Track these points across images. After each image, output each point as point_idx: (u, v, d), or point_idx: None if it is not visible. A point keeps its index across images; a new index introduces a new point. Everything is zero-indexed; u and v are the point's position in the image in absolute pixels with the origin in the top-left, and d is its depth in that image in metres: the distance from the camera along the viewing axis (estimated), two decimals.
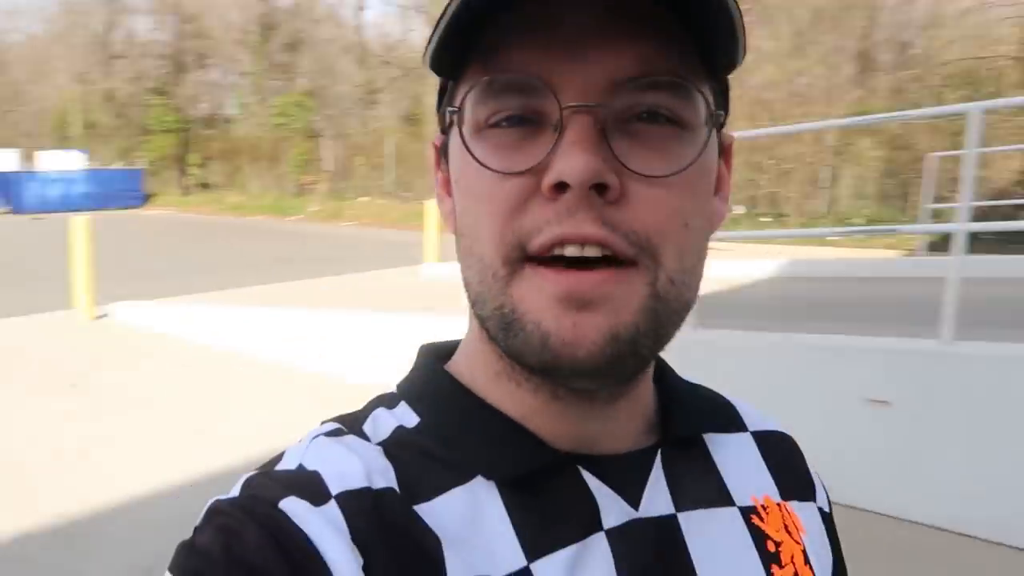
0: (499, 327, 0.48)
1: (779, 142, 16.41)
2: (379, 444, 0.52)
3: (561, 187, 0.44)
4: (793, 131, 10.99)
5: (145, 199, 28.49)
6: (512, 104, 0.46)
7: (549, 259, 0.45)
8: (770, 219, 16.48)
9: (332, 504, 0.47)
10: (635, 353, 0.46)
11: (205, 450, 4.72)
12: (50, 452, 4.74)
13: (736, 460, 0.59)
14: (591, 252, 0.44)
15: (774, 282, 8.66)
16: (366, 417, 0.54)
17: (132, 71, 31.64)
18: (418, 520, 0.48)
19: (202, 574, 0.43)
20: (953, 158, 13.96)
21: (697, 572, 0.52)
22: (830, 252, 11.80)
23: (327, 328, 6.58)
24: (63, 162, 26.71)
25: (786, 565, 0.56)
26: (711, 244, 0.52)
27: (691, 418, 0.58)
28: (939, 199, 11.39)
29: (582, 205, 0.44)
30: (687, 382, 0.62)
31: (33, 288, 10.80)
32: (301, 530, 0.45)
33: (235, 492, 0.48)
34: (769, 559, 0.56)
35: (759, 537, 0.56)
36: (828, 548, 0.61)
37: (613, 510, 0.51)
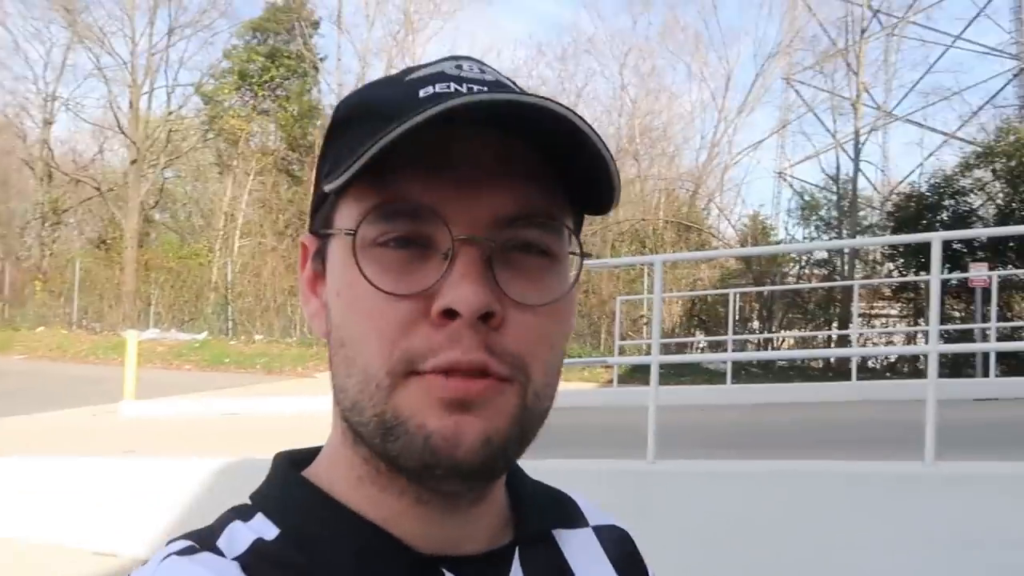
0: (377, 432, 0.49)
1: None
2: (235, 559, 0.50)
3: (450, 314, 0.47)
4: None
5: None
6: (402, 227, 0.49)
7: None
8: None
9: None
10: (504, 456, 0.50)
11: None
12: None
13: (583, 555, 0.62)
14: (474, 375, 0.48)
15: None
16: (220, 531, 0.53)
17: None
18: None
19: None
20: (631, 301, 16.12)
21: None
22: None
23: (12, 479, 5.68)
24: None
25: None
26: None
27: (541, 515, 0.61)
28: (623, 336, 12.98)
29: (469, 332, 0.47)
30: (530, 478, 0.64)
31: None
32: None
33: None
34: None
35: None
36: None
37: None
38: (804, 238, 20.91)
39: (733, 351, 13.03)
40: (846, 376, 10.98)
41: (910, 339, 16.09)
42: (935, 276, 4.08)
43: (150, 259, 22.60)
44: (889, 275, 17.08)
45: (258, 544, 0.52)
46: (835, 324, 17.08)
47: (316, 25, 25.83)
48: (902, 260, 16.30)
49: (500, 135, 0.49)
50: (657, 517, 4.07)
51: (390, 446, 0.49)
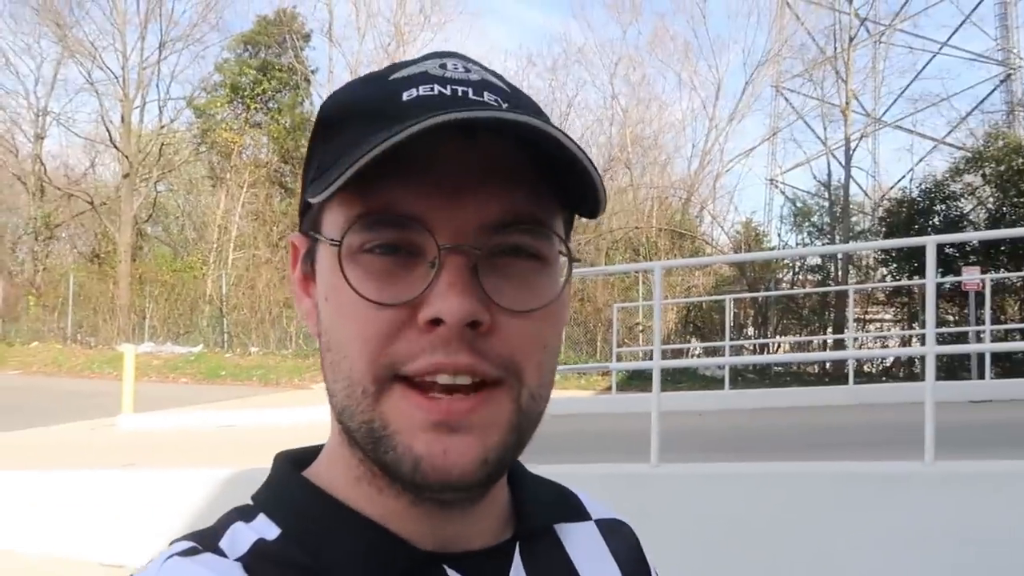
0: (368, 440, 0.50)
1: None
2: (237, 560, 0.51)
3: (437, 322, 0.47)
4: None
5: None
6: (387, 235, 0.49)
7: (420, 382, 0.48)
8: None
9: None
10: (501, 466, 0.51)
11: None
12: None
13: (584, 548, 0.62)
14: (462, 380, 0.48)
15: None
16: (223, 532, 0.53)
17: None
18: None
19: None
20: (626, 309, 16.16)
21: None
22: None
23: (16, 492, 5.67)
24: None
25: None
26: None
27: (542, 510, 0.61)
28: (619, 344, 13.00)
29: (456, 338, 0.47)
30: (532, 474, 0.64)
31: None
32: None
33: None
34: None
35: None
36: None
37: None
38: (797, 244, 21.03)
39: (730, 357, 13.07)
40: (842, 380, 11.04)
41: (905, 342, 16.18)
42: (930, 279, 4.16)
43: (144, 272, 22.55)
44: (883, 280, 17.18)
45: (260, 544, 0.52)
46: (830, 329, 17.15)
47: (307, 38, 25.92)
48: (895, 265, 16.40)
49: (485, 140, 0.48)
50: (660, 519, 4.10)
51: (382, 457, 0.49)
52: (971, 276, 11.50)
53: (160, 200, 26.54)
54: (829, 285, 17.93)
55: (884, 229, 16.91)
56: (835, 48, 21.83)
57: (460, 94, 0.50)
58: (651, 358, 4.63)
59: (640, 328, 17.12)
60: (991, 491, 3.75)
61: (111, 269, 22.83)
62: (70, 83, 33.89)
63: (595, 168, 0.49)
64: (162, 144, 24.66)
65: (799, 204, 22.40)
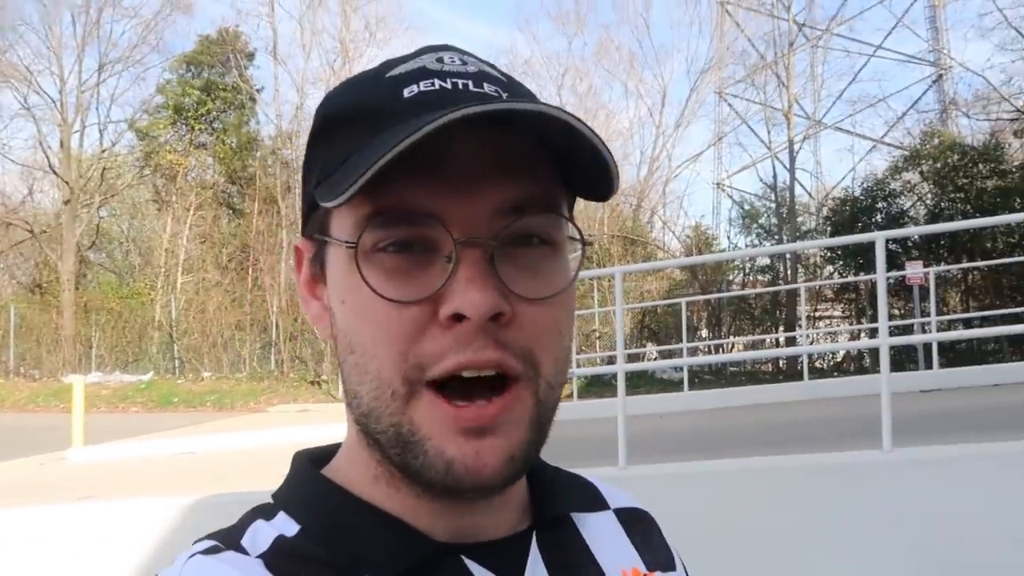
0: (395, 444, 0.50)
1: None
2: (259, 557, 0.51)
3: (459, 317, 0.48)
4: None
5: None
6: (400, 232, 0.49)
7: (446, 383, 0.49)
8: None
9: None
10: (526, 463, 0.51)
11: None
12: None
13: (603, 537, 0.62)
14: (487, 373, 0.49)
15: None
16: (244, 530, 0.54)
17: None
18: None
19: None
20: (583, 316, 16.26)
21: None
22: None
23: None
24: None
25: None
26: None
27: (559, 500, 0.61)
28: (577, 351, 13.09)
29: (479, 333, 0.48)
30: (551, 466, 0.64)
31: None
32: None
33: None
34: None
35: None
36: None
37: None
38: (746, 246, 21.45)
39: (690, 358, 13.25)
40: (796, 377, 11.27)
41: (854, 337, 16.60)
42: (881, 274, 4.26)
43: (89, 301, 21.94)
44: (830, 277, 17.61)
45: (280, 540, 0.53)
46: (781, 327, 17.50)
47: (251, 57, 25.64)
48: (841, 263, 16.84)
49: (491, 130, 0.49)
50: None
51: (411, 462, 0.50)
52: (915, 271, 11.87)
53: (103, 226, 25.87)
54: (779, 284, 18.33)
55: (829, 228, 17.36)
56: (775, 54, 22.42)
57: (461, 87, 0.50)
58: (609, 363, 4.67)
59: (597, 335, 17.24)
60: (947, 474, 3.89)
61: (54, 298, 22.18)
62: (5, 109, 33.08)
63: (607, 149, 0.49)
64: (104, 168, 24.06)
65: (746, 206, 22.88)
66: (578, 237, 0.54)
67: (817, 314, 18.48)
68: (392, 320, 0.49)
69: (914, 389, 8.08)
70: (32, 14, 24.27)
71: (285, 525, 0.54)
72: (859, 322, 16.68)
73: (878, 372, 4.17)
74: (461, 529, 0.54)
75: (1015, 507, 3.67)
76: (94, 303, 21.90)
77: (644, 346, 17.99)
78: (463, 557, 0.54)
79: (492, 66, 0.54)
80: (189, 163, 24.66)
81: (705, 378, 14.88)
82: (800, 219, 21.26)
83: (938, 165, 16.03)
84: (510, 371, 0.49)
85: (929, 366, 10.29)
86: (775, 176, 22.42)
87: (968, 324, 13.49)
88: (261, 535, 0.53)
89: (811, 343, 13.14)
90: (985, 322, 13.25)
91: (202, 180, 25.20)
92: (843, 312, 18.38)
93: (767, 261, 19.37)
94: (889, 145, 21.31)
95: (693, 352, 14.15)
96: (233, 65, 24.41)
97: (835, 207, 18.18)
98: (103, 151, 24.62)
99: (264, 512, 0.55)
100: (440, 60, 0.52)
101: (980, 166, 15.58)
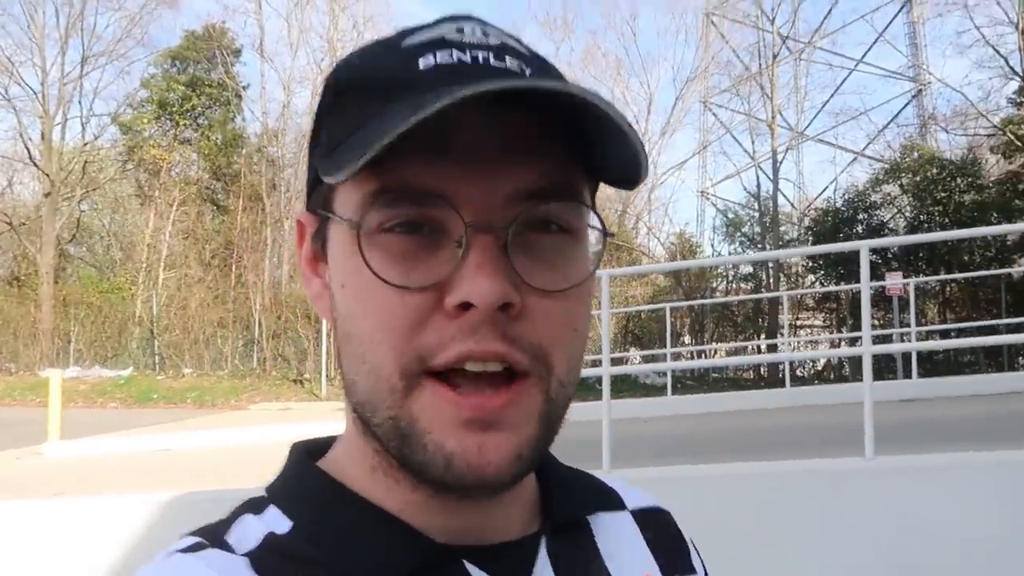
0: (393, 436, 0.47)
1: None
2: (245, 555, 0.48)
3: (466, 306, 0.44)
4: None
5: None
6: (408, 213, 0.45)
7: (449, 374, 0.45)
8: None
9: None
10: (534, 461, 0.48)
11: None
12: None
13: (618, 541, 0.59)
14: (492, 367, 0.45)
15: None
16: (230, 526, 0.51)
17: None
18: None
19: None
20: None
21: None
22: None
23: None
24: None
25: None
26: None
27: (572, 502, 0.57)
28: None
29: (486, 323, 0.44)
30: (565, 466, 0.61)
31: None
32: None
33: None
34: None
35: None
36: None
37: None
38: (730, 253, 21.60)
39: (674, 363, 13.31)
40: (777, 384, 11.35)
41: (835, 345, 16.77)
42: (865, 282, 4.32)
43: (68, 295, 21.68)
44: (812, 286, 17.79)
45: (270, 538, 0.49)
46: (763, 335, 17.64)
47: (238, 53, 25.50)
48: (823, 272, 17.01)
49: (510, 108, 0.45)
50: None
51: (410, 456, 0.46)
52: (894, 281, 12.02)
53: (84, 220, 25.60)
54: (762, 292, 18.48)
55: (811, 238, 17.54)
56: (759, 65, 22.63)
57: (481, 60, 0.46)
58: (594, 367, 4.69)
59: None
60: (927, 482, 3.94)
61: (32, 292, 21.88)
62: None
63: (636, 133, 0.45)
64: (85, 162, 23.82)
65: (730, 215, 23.06)
66: (600, 227, 0.50)
67: (799, 323, 18.66)
68: (394, 308, 0.45)
69: (894, 398, 8.17)
70: (13, 3, 23.91)
71: (275, 521, 0.50)
72: (839, 331, 16.85)
73: (858, 381, 4.22)
74: (464, 529, 0.51)
75: (991, 515, 3.74)
76: (73, 297, 21.64)
77: (627, 350, 18.07)
78: (464, 561, 0.50)
79: (518, 40, 0.50)
80: (173, 158, 24.47)
81: (688, 384, 14.96)
82: (783, 228, 21.46)
83: (917, 178, 16.25)
84: (516, 366, 0.46)
85: (908, 376, 10.41)
86: (759, 185, 22.66)
87: (945, 335, 13.67)
88: (249, 531, 0.50)
89: (793, 351, 13.27)
90: (962, 334, 13.43)
91: (186, 176, 25.01)
92: (824, 321, 18.57)
93: (750, 269, 19.52)
94: (870, 158, 21.60)
95: (676, 358, 14.22)
96: (219, 61, 24.26)
97: (817, 217, 18.39)
98: (85, 144, 24.36)
99: (254, 506, 0.52)
100: (460, 31, 0.48)
101: (958, 180, 15.82)
